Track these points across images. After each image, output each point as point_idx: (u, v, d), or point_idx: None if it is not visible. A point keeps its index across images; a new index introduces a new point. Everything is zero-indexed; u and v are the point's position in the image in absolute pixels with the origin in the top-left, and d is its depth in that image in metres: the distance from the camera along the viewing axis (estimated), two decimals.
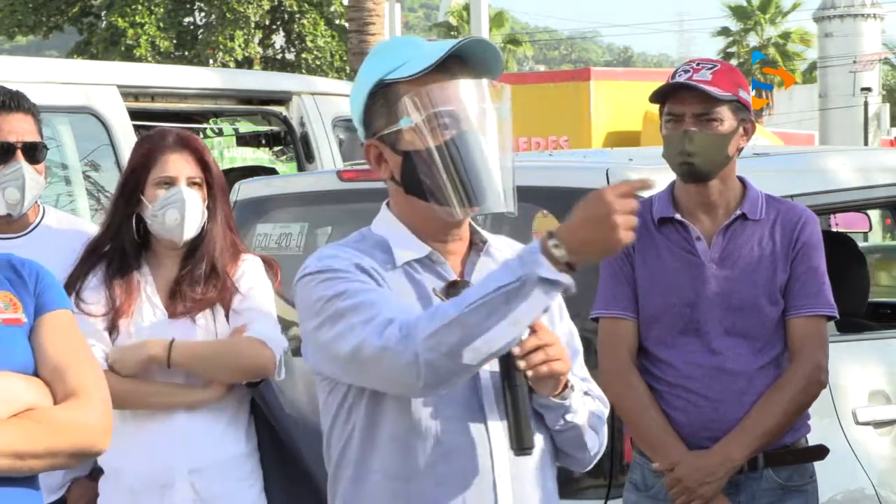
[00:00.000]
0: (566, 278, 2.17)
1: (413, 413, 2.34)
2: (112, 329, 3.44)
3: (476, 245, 2.47)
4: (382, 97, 2.39)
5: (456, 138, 2.32)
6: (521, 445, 2.31)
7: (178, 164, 3.49)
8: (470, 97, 2.34)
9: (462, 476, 2.34)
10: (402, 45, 2.42)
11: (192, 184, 3.50)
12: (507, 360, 2.30)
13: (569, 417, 2.41)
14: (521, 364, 2.27)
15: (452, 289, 2.35)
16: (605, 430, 2.54)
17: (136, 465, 3.39)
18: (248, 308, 3.46)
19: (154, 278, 3.51)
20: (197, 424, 3.43)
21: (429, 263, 2.41)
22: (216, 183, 3.54)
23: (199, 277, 3.48)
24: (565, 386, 2.38)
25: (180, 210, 3.45)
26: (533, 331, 2.29)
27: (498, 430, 2.36)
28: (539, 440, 2.40)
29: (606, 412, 2.56)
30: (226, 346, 3.43)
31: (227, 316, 3.47)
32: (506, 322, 2.17)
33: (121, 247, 3.51)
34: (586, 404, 2.47)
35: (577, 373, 2.52)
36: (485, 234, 2.50)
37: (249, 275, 3.52)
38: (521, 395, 2.30)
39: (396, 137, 2.37)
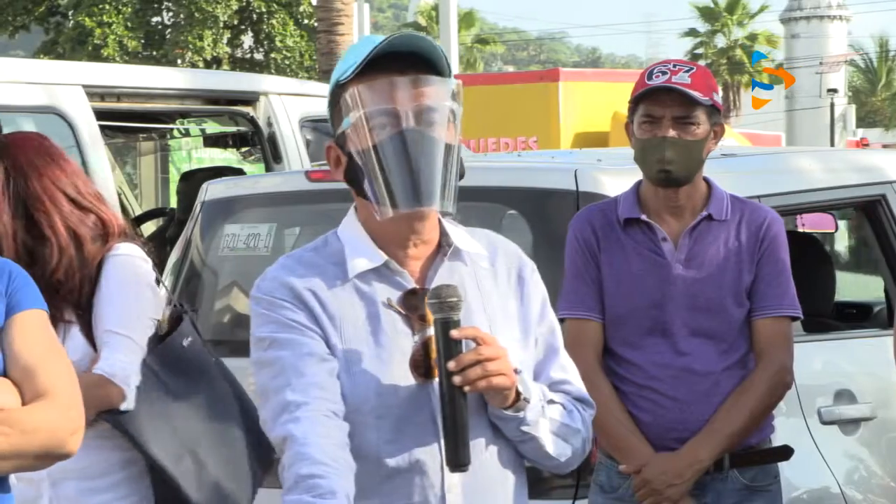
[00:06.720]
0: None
1: (355, 435, 2.29)
2: None
3: (442, 248, 2.39)
4: (336, 99, 2.37)
5: (390, 138, 2.28)
6: (455, 462, 2.26)
7: None
8: (405, 95, 2.28)
9: (406, 493, 2.30)
10: (359, 45, 2.37)
11: None
12: (445, 375, 2.25)
13: (525, 429, 2.35)
14: (457, 379, 2.22)
15: (410, 298, 2.31)
16: (580, 437, 2.43)
17: None
18: (101, 332, 3.09)
19: None
20: None
21: (385, 273, 2.35)
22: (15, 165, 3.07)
23: (46, 288, 2.84)
24: (518, 398, 2.32)
25: None
26: (478, 343, 2.25)
27: None
28: (493, 451, 2.35)
29: (590, 414, 2.47)
30: None
31: (81, 330, 3.11)
32: None
33: None
34: (549, 414, 2.37)
35: (554, 375, 2.45)
36: (458, 231, 2.41)
37: (109, 281, 3.10)
38: (457, 409, 2.24)
39: (343, 139, 2.36)
